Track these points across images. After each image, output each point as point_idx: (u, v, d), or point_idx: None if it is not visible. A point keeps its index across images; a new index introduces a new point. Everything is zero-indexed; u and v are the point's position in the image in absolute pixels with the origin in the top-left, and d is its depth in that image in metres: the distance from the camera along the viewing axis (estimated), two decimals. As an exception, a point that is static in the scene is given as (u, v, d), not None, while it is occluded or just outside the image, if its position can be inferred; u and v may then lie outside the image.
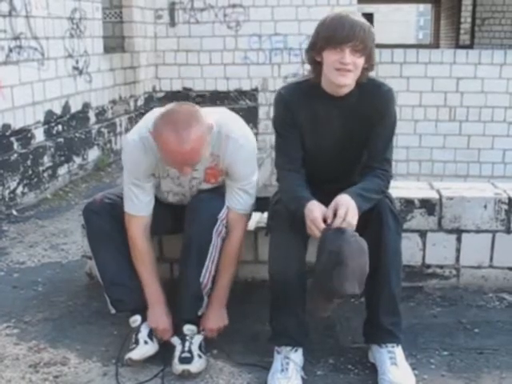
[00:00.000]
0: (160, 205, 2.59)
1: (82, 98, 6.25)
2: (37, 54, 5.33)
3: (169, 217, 2.63)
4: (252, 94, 8.57)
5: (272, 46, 8.43)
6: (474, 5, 13.54)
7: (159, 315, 2.48)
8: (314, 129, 2.38)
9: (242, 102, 8.56)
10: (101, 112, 6.72)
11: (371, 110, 2.34)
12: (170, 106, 2.28)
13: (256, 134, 8.47)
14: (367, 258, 2.14)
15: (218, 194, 2.54)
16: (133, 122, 7.59)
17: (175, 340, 2.42)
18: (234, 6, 8.41)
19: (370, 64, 2.29)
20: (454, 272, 3.00)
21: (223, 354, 2.45)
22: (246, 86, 8.56)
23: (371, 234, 2.29)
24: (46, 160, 5.44)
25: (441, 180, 7.97)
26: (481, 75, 8.37)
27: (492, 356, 2.45)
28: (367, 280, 2.40)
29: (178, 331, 2.44)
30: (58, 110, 5.71)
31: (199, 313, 2.48)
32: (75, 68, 6.09)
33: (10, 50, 4.89)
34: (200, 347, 2.41)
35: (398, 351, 2.31)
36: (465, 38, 13.95)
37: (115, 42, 7.67)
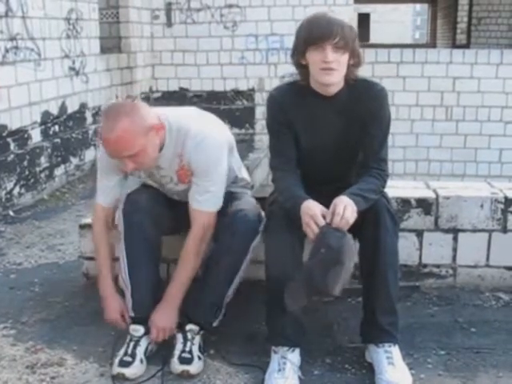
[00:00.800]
0: (167, 205, 2.59)
1: (78, 98, 6.24)
2: (33, 55, 5.32)
3: (173, 217, 2.62)
4: (249, 94, 8.57)
5: (269, 46, 8.43)
6: (471, 4, 13.54)
7: (112, 307, 2.52)
8: (307, 129, 2.39)
9: (239, 102, 8.57)
10: (98, 112, 6.70)
11: (365, 109, 2.34)
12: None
13: (253, 135, 8.49)
14: (354, 259, 2.16)
15: (253, 205, 2.56)
16: (130, 122, 7.58)
17: (178, 337, 2.41)
18: (230, 6, 8.42)
19: (356, 60, 2.28)
20: (451, 271, 3.00)
21: (220, 354, 2.45)
22: (243, 86, 8.56)
23: (368, 234, 2.30)
24: (43, 160, 5.44)
25: (437, 179, 7.98)
26: (477, 75, 8.38)
27: (489, 355, 2.45)
28: (364, 279, 2.41)
29: (180, 328, 2.43)
30: (54, 111, 5.71)
31: (214, 324, 2.48)
32: (72, 68, 6.09)
33: (7, 51, 4.89)
34: (200, 348, 2.41)
35: (395, 351, 2.31)
36: (461, 37, 13.95)
37: (112, 43, 7.66)
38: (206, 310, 2.46)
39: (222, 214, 2.49)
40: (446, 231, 2.95)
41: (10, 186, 4.88)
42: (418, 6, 35.76)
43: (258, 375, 2.32)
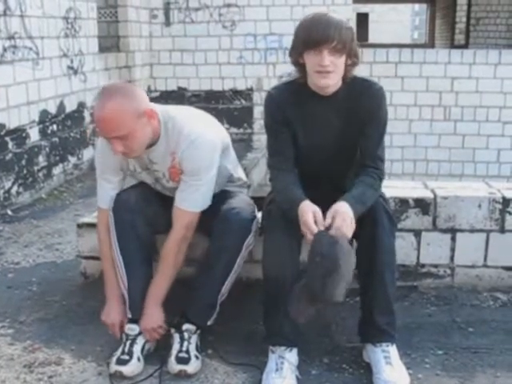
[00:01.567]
0: (160, 203, 2.59)
1: (76, 97, 6.24)
2: (31, 54, 5.32)
3: (168, 215, 2.61)
4: (247, 94, 8.57)
5: (267, 45, 8.43)
6: (469, 4, 13.55)
7: (112, 310, 2.51)
8: (305, 128, 2.39)
9: (237, 102, 8.56)
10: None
11: (362, 108, 2.34)
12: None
13: (251, 134, 8.49)
14: (353, 264, 2.15)
15: (247, 203, 2.56)
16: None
17: (175, 337, 2.42)
18: (229, 5, 8.41)
19: (353, 60, 2.28)
20: (449, 271, 3.00)
21: (218, 353, 2.45)
22: (241, 86, 8.56)
23: (365, 234, 2.30)
24: (41, 160, 5.44)
25: (435, 179, 7.98)
26: (475, 75, 8.39)
27: (486, 355, 2.46)
28: (362, 279, 2.41)
29: (177, 328, 2.43)
30: (52, 110, 5.70)
31: (209, 323, 2.48)
32: (70, 67, 6.08)
33: (5, 50, 4.88)
34: (197, 348, 2.41)
35: (393, 350, 2.32)
36: (460, 37, 13.96)
37: (110, 42, 7.66)
38: (201, 308, 2.47)
39: (215, 212, 2.48)
40: (444, 231, 2.95)
41: (8, 185, 4.88)
42: (417, 6, 35.76)
43: (255, 375, 2.32)
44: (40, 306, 2.94)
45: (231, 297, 2.51)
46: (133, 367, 2.33)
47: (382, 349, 2.31)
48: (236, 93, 8.57)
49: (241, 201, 2.56)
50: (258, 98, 8.44)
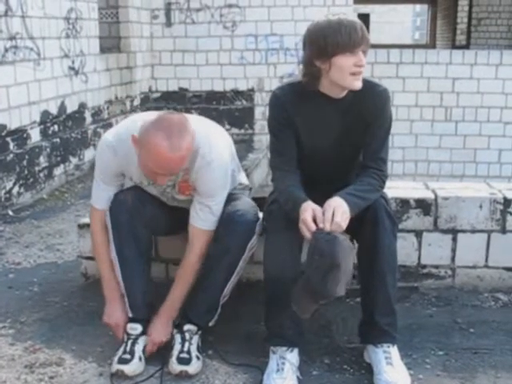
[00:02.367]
0: (160, 206, 2.59)
1: (78, 98, 6.24)
2: (33, 54, 5.32)
3: (168, 218, 2.62)
4: (248, 95, 8.57)
5: (268, 46, 8.43)
6: (471, 5, 13.55)
7: (115, 311, 2.51)
8: (309, 129, 2.38)
9: (238, 103, 8.57)
10: (97, 112, 6.71)
11: (367, 109, 2.34)
12: (161, 113, 2.28)
13: (252, 135, 8.49)
14: (353, 259, 2.15)
15: (250, 205, 2.56)
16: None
17: (176, 337, 2.42)
18: (230, 6, 8.42)
19: None
20: (450, 272, 3.00)
21: (219, 354, 2.45)
22: (243, 87, 8.56)
23: (366, 235, 2.30)
24: (42, 160, 5.44)
25: (437, 180, 7.99)
26: (477, 75, 8.39)
27: (487, 356, 2.45)
28: (363, 280, 2.41)
29: (178, 329, 2.44)
30: (53, 110, 5.71)
31: (210, 324, 2.49)
32: (71, 68, 6.09)
33: (6, 50, 4.89)
34: (198, 348, 2.41)
35: (394, 351, 2.31)
36: (461, 38, 13.96)
37: (111, 42, 7.66)
38: (202, 309, 2.47)
39: None
40: (445, 232, 2.95)
41: (9, 185, 4.88)
42: (418, 7, 35.77)
43: (256, 375, 2.32)
44: (41, 306, 2.94)
45: (232, 297, 2.51)
46: (134, 366, 2.33)
47: (382, 349, 2.30)
48: (237, 93, 8.57)
49: (244, 203, 2.56)
50: (259, 99, 8.45)
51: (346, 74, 2.23)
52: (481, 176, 8.37)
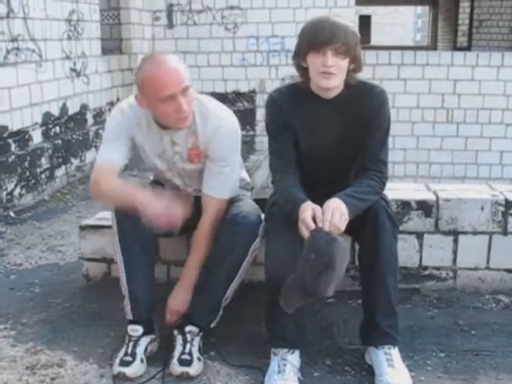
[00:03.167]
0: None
1: (79, 99, 6.25)
2: (34, 56, 5.33)
3: None
4: (250, 96, 8.58)
5: (269, 47, 8.44)
6: (472, 7, 13.55)
7: (160, 208, 2.32)
8: (307, 131, 2.39)
9: (240, 104, 8.57)
10: (98, 114, 6.71)
11: (364, 110, 2.34)
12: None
13: (253, 136, 8.50)
14: (347, 262, 2.16)
15: (254, 207, 2.56)
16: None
17: (177, 339, 2.42)
18: (231, 7, 8.42)
19: (356, 65, 2.29)
20: (451, 274, 3.00)
21: (220, 355, 2.45)
22: (244, 88, 8.57)
23: (367, 236, 2.30)
24: (44, 162, 5.44)
25: (438, 182, 7.98)
26: (478, 77, 8.39)
27: (488, 357, 2.45)
28: (364, 282, 2.41)
29: (180, 330, 2.44)
30: (55, 112, 5.71)
31: (212, 325, 2.50)
32: (73, 70, 6.09)
33: (8, 52, 4.89)
34: (199, 350, 2.41)
35: (395, 353, 2.31)
36: (462, 39, 13.96)
37: (113, 44, 7.67)
38: (205, 311, 2.47)
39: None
40: (447, 233, 2.95)
41: (10, 186, 4.88)
42: (419, 9, 35.78)
43: (257, 377, 2.32)
44: (42, 307, 2.94)
45: (234, 299, 2.51)
46: (136, 368, 2.33)
47: (384, 351, 2.30)
48: (238, 95, 8.58)
49: (247, 205, 2.57)
50: (261, 100, 8.44)
51: (316, 73, 2.25)
52: (482, 178, 8.37)
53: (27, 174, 5.15)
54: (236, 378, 2.34)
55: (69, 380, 2.32)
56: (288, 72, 8.28)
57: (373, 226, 2.28)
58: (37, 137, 5.35)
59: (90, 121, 6.52)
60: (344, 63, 2.23)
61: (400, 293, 2.46)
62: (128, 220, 2.44)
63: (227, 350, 2.48)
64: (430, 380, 2.31)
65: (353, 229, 2.18)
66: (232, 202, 2.57)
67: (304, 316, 2.37)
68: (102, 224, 3.07)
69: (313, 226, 2.11)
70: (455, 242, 2.96)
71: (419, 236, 2.95)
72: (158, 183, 2.74)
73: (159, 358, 2.42)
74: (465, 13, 13.94)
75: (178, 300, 2.51)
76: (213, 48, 8.50)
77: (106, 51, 7.14)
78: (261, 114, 8.45)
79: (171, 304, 2.51)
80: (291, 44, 8.72)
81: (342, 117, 2.36)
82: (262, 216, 2.53)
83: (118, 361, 2.35)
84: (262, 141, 8.16)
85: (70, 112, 6.03)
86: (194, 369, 2.33)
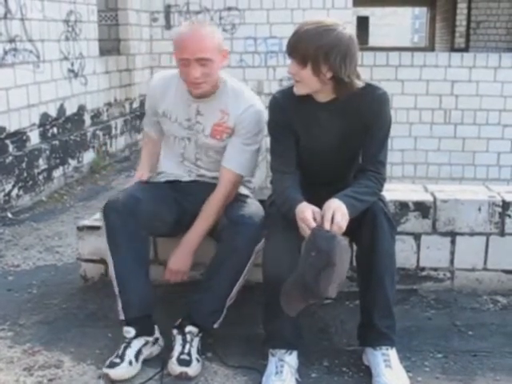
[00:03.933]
0: (160, 203, 2.58)
1: (77, 100, 6.24)
2: (32, 57, 5.32)
3: (169, 216, 2.61)
4: (247, 97, 8.56)
5: (267, 48, 8.44)
6: (469, 8, 13.58)
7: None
8: (308, 132, 2.39)
9: (238, 105, 8.56)
10: (96, 114, 6.71)
11: (366, 112, 2.34)
12: None
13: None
14: (348, 262, 2.16)
15: (258, 207, 2.57)
16: (128, 124, 7.59)
17: (177, 338, 2.42)
18: (229, 8, 8.43)
19: (340, 74, 2.20)
20: (449, 274, 3.00)
21: (218, 356, 2.45)
22: (242, 89, 8.55)
23: (365, 237, 2.30)
24: (42, 163, 5.44)
25: (436, 183, 7.98)
26: (476, 78, 8.40)
27: (486, 358, 2.45)
28: (362, 283, 2.41)
29: (180, 330, 2.43)
30: (53, 113, 5.71)
31: (215, 326, 2.49)
32: (70, 70, 6.09)
33: (5, 53, 4.89)
34: (198, 350, 2.41)
35: (392, 354, 2.32)
36: (460, 41, 13.99)
37: (111, 45, 7.66)
38: (208, 310, 2.46)
39: (226, 214, 2.52)
40: (444, 234, 2.95)
41: (8, 187, 4.88)
42: (417, 10, 35.84)
43: (255, 378, 2.32)
44: (40, 308, 2.94)
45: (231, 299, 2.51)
46: (122, 371, 2.30)
47: (381, 352, 2.31)
48: (236, 96, 8.56)
49: (252, 205, 2.58)
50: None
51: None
52: (480, 179, 8.38)
53: (25, 174, 5.14)
54: (234, 378, 2.33)
55: (66, 381, 2.32)
56: (286, 73, 8.29)
57: (371, 227, 2.28)
58: (34, 138, 5.34)
59: (88, 122, 6.51)
60: (304, 73, 2.22)
61: (397, 294, 2.47)
62: (115, 223, 2.43)
63: (225, 351, 2.48)
64: (428, 381, 2.31)
65: (350, 230, 2.18)
66: (236, 201, 2.58)
67: (301, 317, 2.37)
68: (99, 225, 3.06)
69: (313, 224, 2.12)
70: (452, 242, 2.96)
71: (417, 237, 2.96)
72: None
73: (157, 358, 2.42)
74: (462, 14, 13.97)
75: (179, 261, 2.55)
76: (210, 49, 8.48)
77: (103, 52, 7.14)
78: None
79: (169, 263, 2.56)
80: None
81: (343, 119, 2.36)
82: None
83: (107, 362, 2.34)
84: (260, 142, 8.16)
85: (68, 113, 6.03)
86: (193, 369, 2.33)
